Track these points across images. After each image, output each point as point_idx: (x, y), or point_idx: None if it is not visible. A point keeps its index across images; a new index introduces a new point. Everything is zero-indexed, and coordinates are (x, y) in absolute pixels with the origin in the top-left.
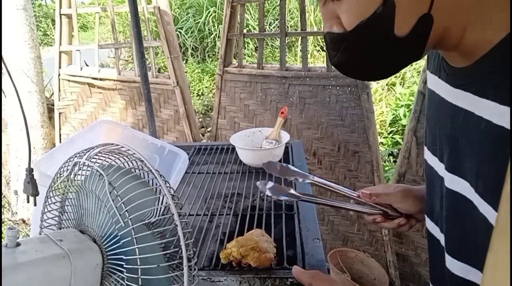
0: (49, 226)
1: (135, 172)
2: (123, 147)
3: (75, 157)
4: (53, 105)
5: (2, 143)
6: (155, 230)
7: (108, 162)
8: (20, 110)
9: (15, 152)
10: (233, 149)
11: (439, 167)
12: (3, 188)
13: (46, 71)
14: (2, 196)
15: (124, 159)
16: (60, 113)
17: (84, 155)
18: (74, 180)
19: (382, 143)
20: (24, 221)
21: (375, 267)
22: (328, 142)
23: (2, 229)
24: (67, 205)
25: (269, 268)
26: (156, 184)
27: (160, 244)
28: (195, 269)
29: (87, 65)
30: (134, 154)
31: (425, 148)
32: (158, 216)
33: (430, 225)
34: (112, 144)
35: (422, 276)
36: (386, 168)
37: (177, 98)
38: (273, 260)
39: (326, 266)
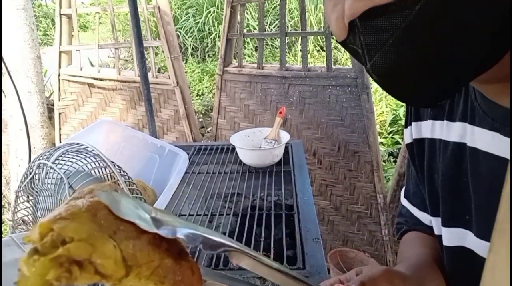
0: (19, 225)
1: (98, 173)
2: (88, 147)
3: (40, 158)
4: (53, 105)
5: (2, 143)
6: None
7: (72, 162)
8: (20, 110)
9: (15, 152)
10: (233, 149)
11: (479, 246)
12: (3, 188)
13: (46, 71)
14: (2, 196)
15: (90, 160)
16: (60, 113)
17: (48, 156)
18: (40, 181)
19: (382, 143)
20: (24, 221)
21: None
22: (328, 142)
23: (2, 229)
24: (38, 204)
25: None
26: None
27: None
28: None
29: (92, 65)
30: (99, 154)
31: (443, 229)
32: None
33: None
34: (78, 144)
35: None
36: (386, 168)
37: (177, 98)
38: None
39: (326, 266)
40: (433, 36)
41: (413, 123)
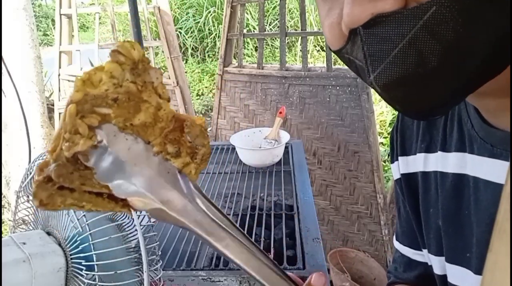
0: (20, 225)
1: None
2: None
3: (40, 158)
4: (53, 105)
5: (2, 143)
6: (120, 234)
7: None
8: (20, 110)
9: (15, 151)
10: (233, 148)
11: (477, 283)
12: (3, 188)
13: (46, 72)
14: (2, 196)
15: None
16: (60, 113)
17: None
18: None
19: (382, 143)
20: (24, 221)
21: (375, 267)
22: (328, 142)
23: (2, 229)
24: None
25: None
26: None
27: (126, 248)
28: (161, 271)
29: (92, 65)
30: None
31: (447, 266)
32: (121, 220)
33: None
34: None
35: None
36: (386, 168)
37: (177, 98)
38: None
39: (326, 266)
40: (440, 46)
41: (399, 158)
